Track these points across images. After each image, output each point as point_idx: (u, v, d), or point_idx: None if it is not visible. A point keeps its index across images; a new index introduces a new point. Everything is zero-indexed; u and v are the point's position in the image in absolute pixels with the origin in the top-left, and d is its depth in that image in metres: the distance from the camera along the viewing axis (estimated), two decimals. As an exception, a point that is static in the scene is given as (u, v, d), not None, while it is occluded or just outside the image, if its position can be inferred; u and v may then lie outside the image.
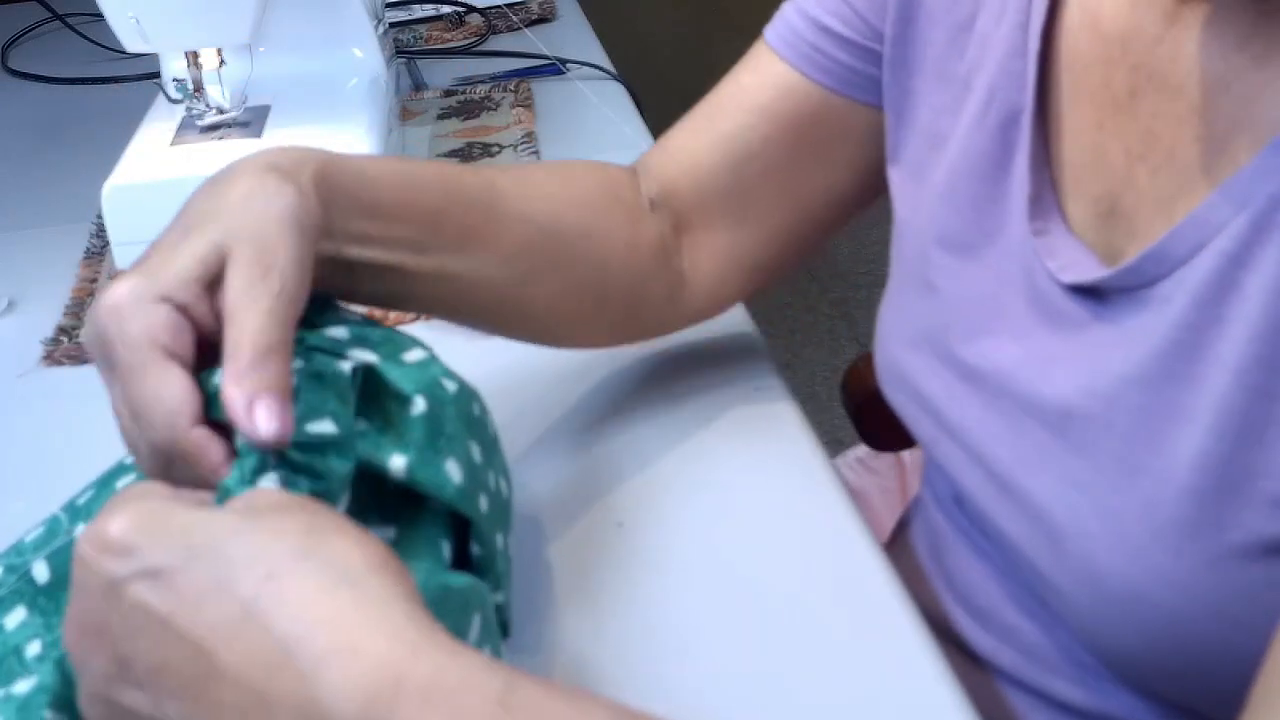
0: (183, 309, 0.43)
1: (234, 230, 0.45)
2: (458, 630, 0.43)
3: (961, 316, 0.57)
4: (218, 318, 0.44)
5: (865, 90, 0.63)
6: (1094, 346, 0.50)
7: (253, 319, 0.43)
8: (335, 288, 0.51)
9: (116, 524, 0.38)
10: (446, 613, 0.42)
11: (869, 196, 0.67)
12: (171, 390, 0.42)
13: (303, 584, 0.36)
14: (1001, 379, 0.54)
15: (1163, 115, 0.48)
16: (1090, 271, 0.50)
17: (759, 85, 0.65)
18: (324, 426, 0.44)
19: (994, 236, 0.55)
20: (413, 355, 0.50)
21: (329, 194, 0.49)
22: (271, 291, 0.43)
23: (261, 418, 0.41)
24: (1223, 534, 0.45)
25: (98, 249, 0.90)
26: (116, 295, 0.43)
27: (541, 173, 0.63)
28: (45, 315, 0.82)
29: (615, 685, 0.51)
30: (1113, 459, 0.48)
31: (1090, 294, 0.50)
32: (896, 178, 0.63)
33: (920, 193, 0.60)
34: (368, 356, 0.47)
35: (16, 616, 0.48)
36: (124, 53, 0.84)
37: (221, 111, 0.86)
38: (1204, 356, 0.45)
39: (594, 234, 0.62)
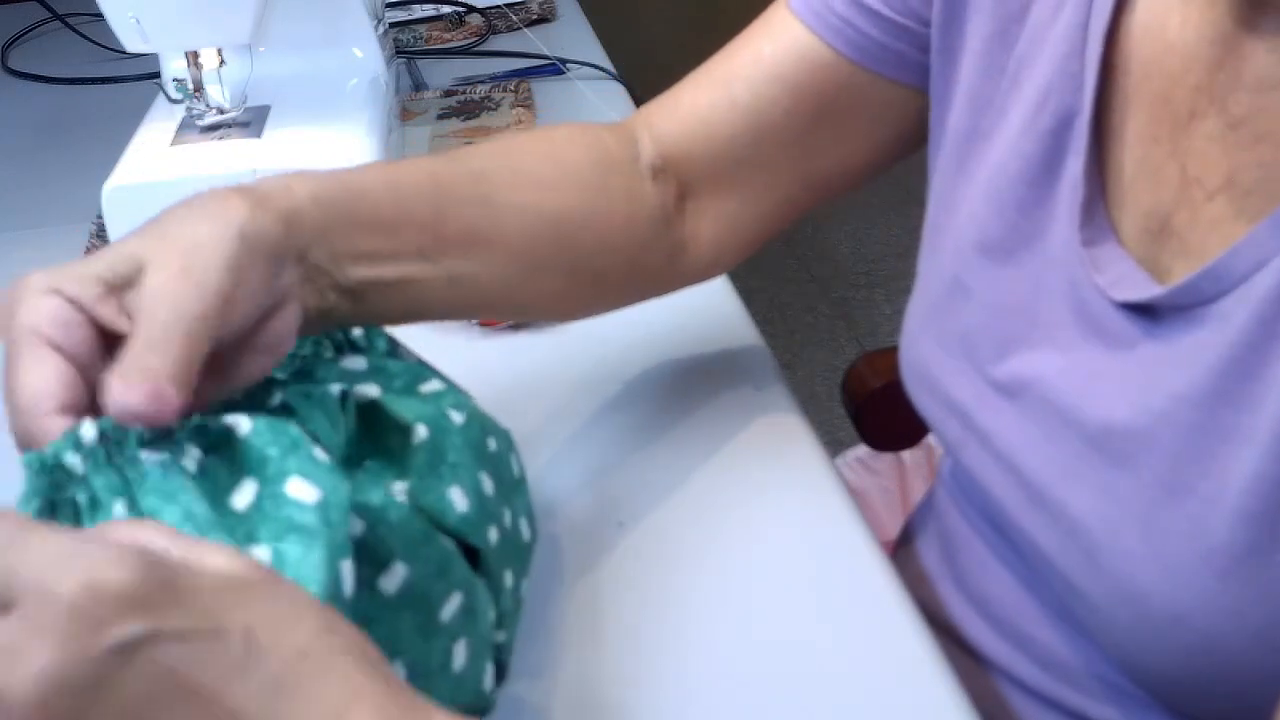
0: (75, 302, 0.41)
1: (158, 237, 0.43)
2: (440, 662, 0.43)
3: (997, 322, 0.56)
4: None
5: (893, 66, 0.61)
6: (1145, 364, 0.48)
7: (158, 310, 0.40)
8: (343, 317, 0.50)
9: (124, 570, 0.33)
10: (433, 635, 0.42)
11: (880, 169, 0.66)
12: (37, 376, 0.40)
13: (339, 667, 0.35)
14: (1040, 390, 0.53)
15: (1222, 141, 0.47)
16: (1142, 289, 0.49)
17: (781, 55, 0.62)
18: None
19: (1036, 243, 0.54)
20: (428, 387, 0.49)
21: (327, 216, 0.47)
22: (185, 286, 0.41)
23: (132, 396, 0.38)
24: (1273, 559, 0.44)
25: (98, 249, 0.89)
26: (15, 285, 0.42)
27: (530, 158, 0.61)
28: (45, 315, 0.82)
29: (614, 686, 0.51)
30: (1158, 478, 0.47)
31: (1142, 311, 0.49)
32: (934, 169, 0.62)
33: (958, 189, 0.59)
34: (370, 390, 0.46)
35: None
36: (124, 53, 0.84)
37: (221, 111, 0.86)
38: (1262, 376, 0.44)
39: (593, 213, 0.61)
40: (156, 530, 0.37)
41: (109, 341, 0.42)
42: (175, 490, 0.39)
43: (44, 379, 0.40)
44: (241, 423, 0.41)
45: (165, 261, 0.42)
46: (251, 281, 0.43)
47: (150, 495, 0.39)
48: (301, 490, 0.39)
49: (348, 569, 0.39)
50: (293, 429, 0.41)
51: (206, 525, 0.38)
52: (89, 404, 0.40)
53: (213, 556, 0.36)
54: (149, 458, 0.40)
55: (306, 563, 0.38)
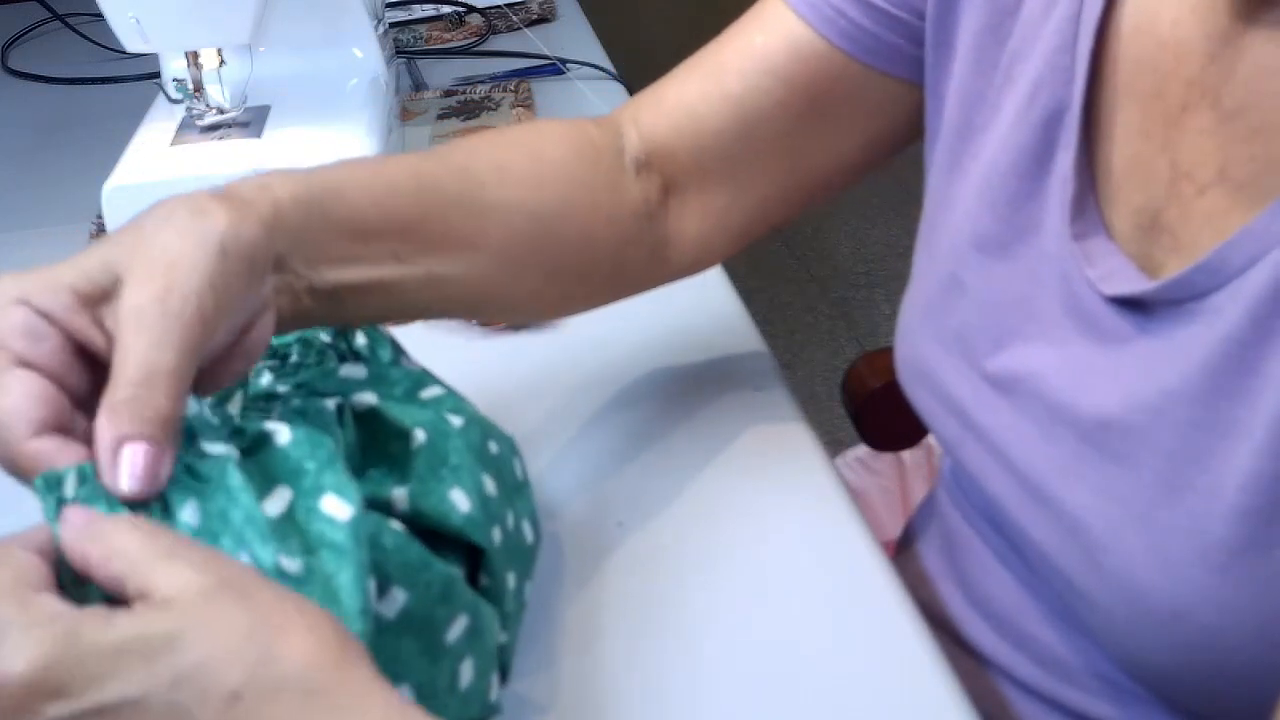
0: (46, 315, 0.39)
1: (136, 249, 0.41)
2: (448, 678, 0.43)
3: (992, 318, 0.56)
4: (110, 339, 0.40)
5: (887, 60, 0.61)
6: (1137, 360, 0.48)
7: (140, 342, 0.38)
8: (321, 319, 0.49)
9: (24, 660, 0.33)
10: (439, 654, 0.42)
11: (871, 166, 0.65)
12: (9, 399, 0.38)
13: (274, 707, 0.34)
14: (1034, 385, 0.53)
15: (1215, 134, 0.47)
16: (1133, 283, 0.49)
17: (773, 46, 0.61)
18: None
19: (1029, 237, 0.54)
20: (428, 393, 0.49)
21: (305, 218, 0.46)
22: (167, 313, 0.39)
23: (124, 466, 0.37)
24: (1271, 554, 0.44)
25: (98, 249, 0.90)
26: None
27: (513, 151, 0.60)
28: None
29: (613, 685, 0.51)
30: (1156, 475, 0.47)
31: (1133, 306, 0.49)
32: (930, 165, 0.62)
33: (952, 185, 0.59)
34: (368, 398, 0.46)
35: None
36: (124, 53, 0.84)
37: (221, 111, 0.86)
38: (1256, 371, 0.43)
39: (574, 208, 0.60)
40: (124, 545, 0.36)
41: (82, 353, 0.40)
42: (238, 490, 0.39)
43: (18, 401, 0.38)
44: (281, 431, 0.41)
45: (143, 279, 0.40)
46: (233, 298, 0.42)
47: (218, 493, 0.39)
48: (335, 507, 0.39)
49: (371, 587, 0.39)
50: (329, 442, 0.41)
51: (266, 530, 0.38)
52: (68, 416, 0.39)
53: (176, 574, 0.35)
54: (213, 449, 0.40)
55: (340, 579, 0.38)
